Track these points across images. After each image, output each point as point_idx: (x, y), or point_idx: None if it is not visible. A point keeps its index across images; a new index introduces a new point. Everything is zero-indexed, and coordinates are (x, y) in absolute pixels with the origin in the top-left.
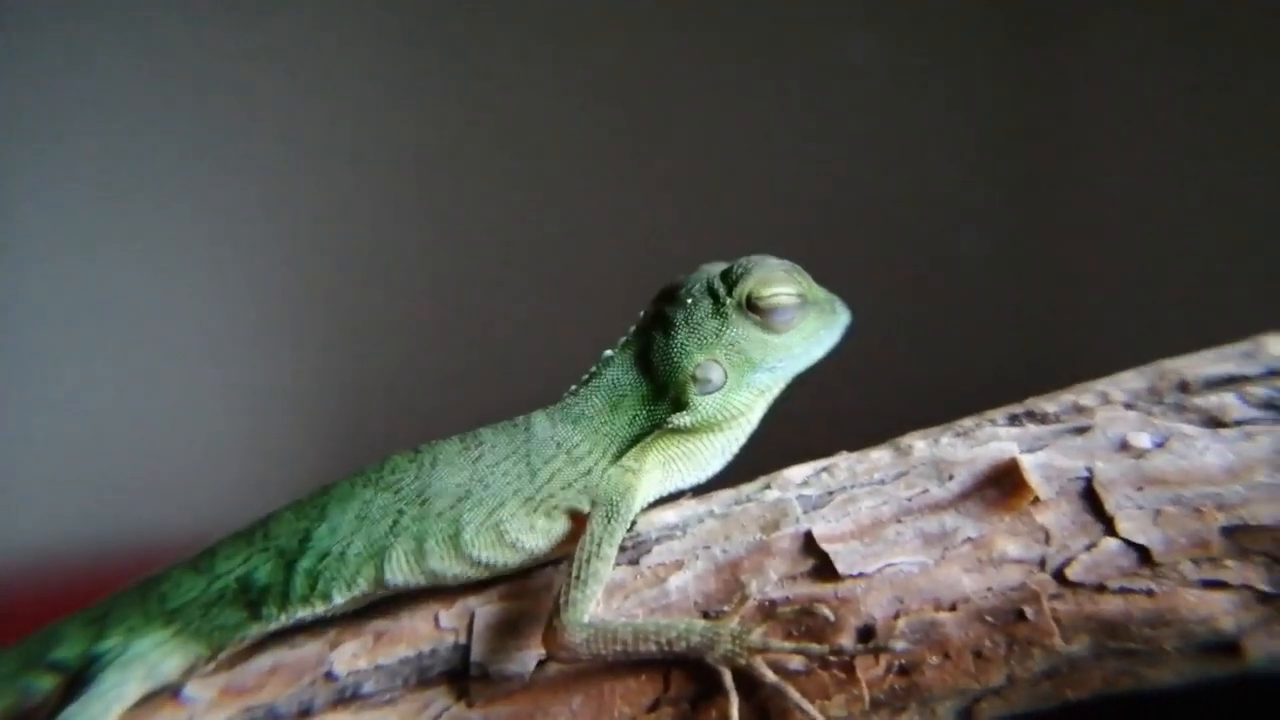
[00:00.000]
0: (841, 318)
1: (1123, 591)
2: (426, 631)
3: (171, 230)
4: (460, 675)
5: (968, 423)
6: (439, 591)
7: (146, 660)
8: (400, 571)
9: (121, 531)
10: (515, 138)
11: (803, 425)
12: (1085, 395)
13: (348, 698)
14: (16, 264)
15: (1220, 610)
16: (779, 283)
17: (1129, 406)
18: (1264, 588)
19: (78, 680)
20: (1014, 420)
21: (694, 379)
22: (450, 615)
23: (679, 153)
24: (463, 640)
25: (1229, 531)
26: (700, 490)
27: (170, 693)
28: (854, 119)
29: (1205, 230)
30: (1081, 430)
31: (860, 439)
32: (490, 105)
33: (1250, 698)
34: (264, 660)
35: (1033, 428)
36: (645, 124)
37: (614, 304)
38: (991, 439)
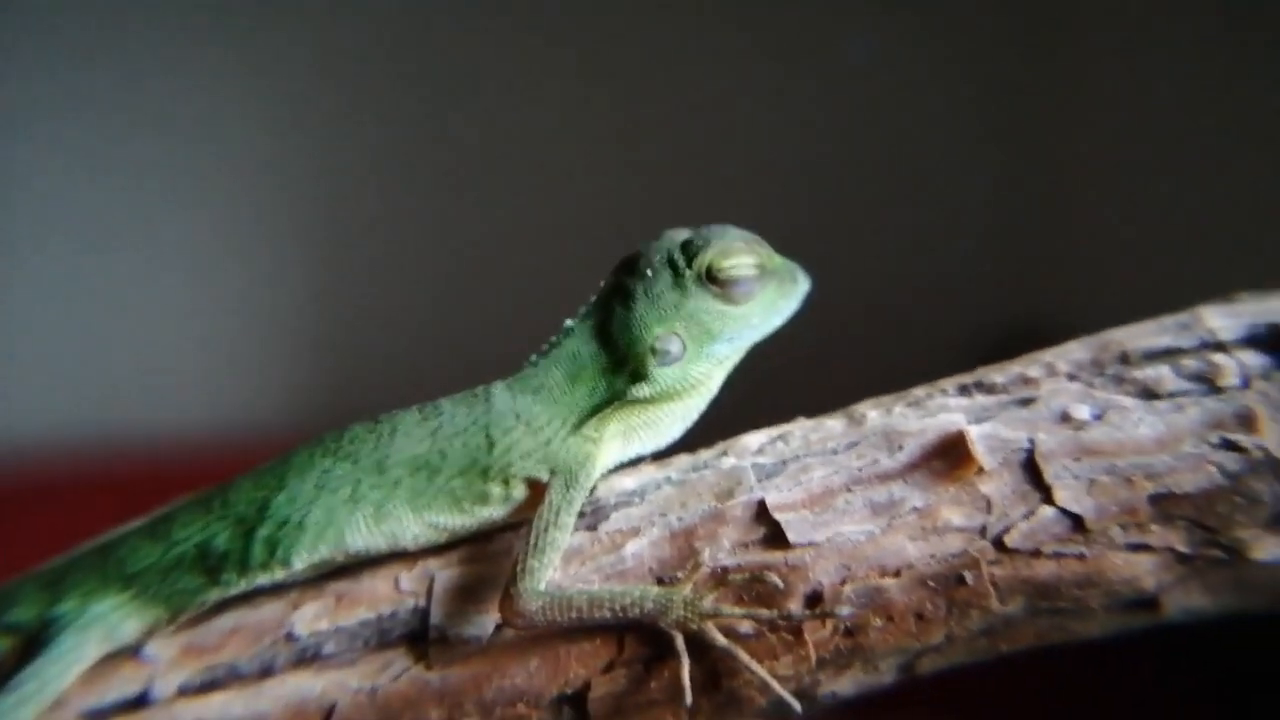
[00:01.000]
0: (800, 286)
1: (1056, 556)
2: (387, 594)
3: (176, 141)
4: (419, 638)
5: (920, 392)
6: (399, 556)
7: (105, 622)
8: (360, 537)
9: (112, 426)
10: (514, 58)
11: (766, 388)
12: (1032, 366)
13: (309, 658)
14: (19, 171)
15: (1143, 571)
16: (738, 254)
17: (1072, 378)
18: (1183, 550)
19: (34, 642)
20: (964, 390)
21: (653, 351)
22: (410, 578)
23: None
24: (422, 603)
25: (1156, 499)
26: (660, 455)
27: (130, 652)
28: (821, 84)
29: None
30: (1026, 402)
31: (827, 402)
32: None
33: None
34: (225, 621)
35: (981, 398)
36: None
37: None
38: (941, 409)
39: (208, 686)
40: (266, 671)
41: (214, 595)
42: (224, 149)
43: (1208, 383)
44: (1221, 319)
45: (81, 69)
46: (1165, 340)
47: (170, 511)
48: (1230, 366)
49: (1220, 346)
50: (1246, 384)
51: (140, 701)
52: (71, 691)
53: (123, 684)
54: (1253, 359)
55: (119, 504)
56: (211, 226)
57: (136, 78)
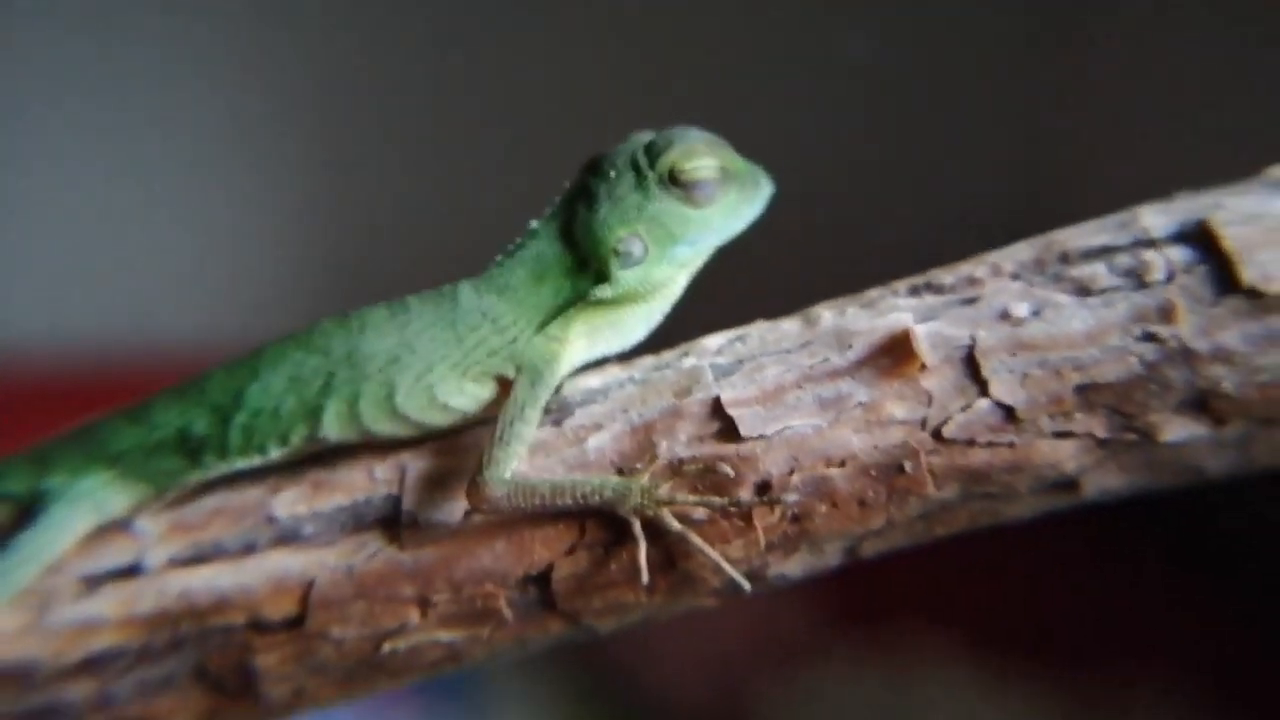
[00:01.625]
0: (764, 190)
1: (989, 445)
2: (362, 483)
3: (182, 48)
4: (393, 522)
5: (873, 293)
6: (373, 447)
7: (93, 497)
8: (333, 428)
9: (115, 333)
10: None
11: (734, 291)
12: (979, 267)
13: (288, 538)
14: (25, 78)
15: (1066, 455)
16: (700, 156)
17: (1015, 277)
18: (1102, 435)
19: (28, 512)
20: (914, 291)
21: (615, 253)
22: (384, 468)
23: None
24: (395, 491)
25: (1081, 389)
26: (626, 357)
27: (122, 526)
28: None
29: None
30: (970, 301)
31: (793, 304)
32: None
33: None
34: (209, 501)
35: (930, 298)
36: None
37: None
38: (892, 310)
39: (195, 560)
40: (249, 549)
41: (195, 477)
42: (229, 56)
43: (1137, 278)
44: (1155, 217)
45: None
46: (1103, 239)
47: (148, 399)
48: (1158, 261)
49: (1151, 243)
50: (1171, 278)
51: (133, 570)
52: (68, 559)
53: (116, 554)
54: (1179, 253)
55: (79, 412)
56: (216, 135)
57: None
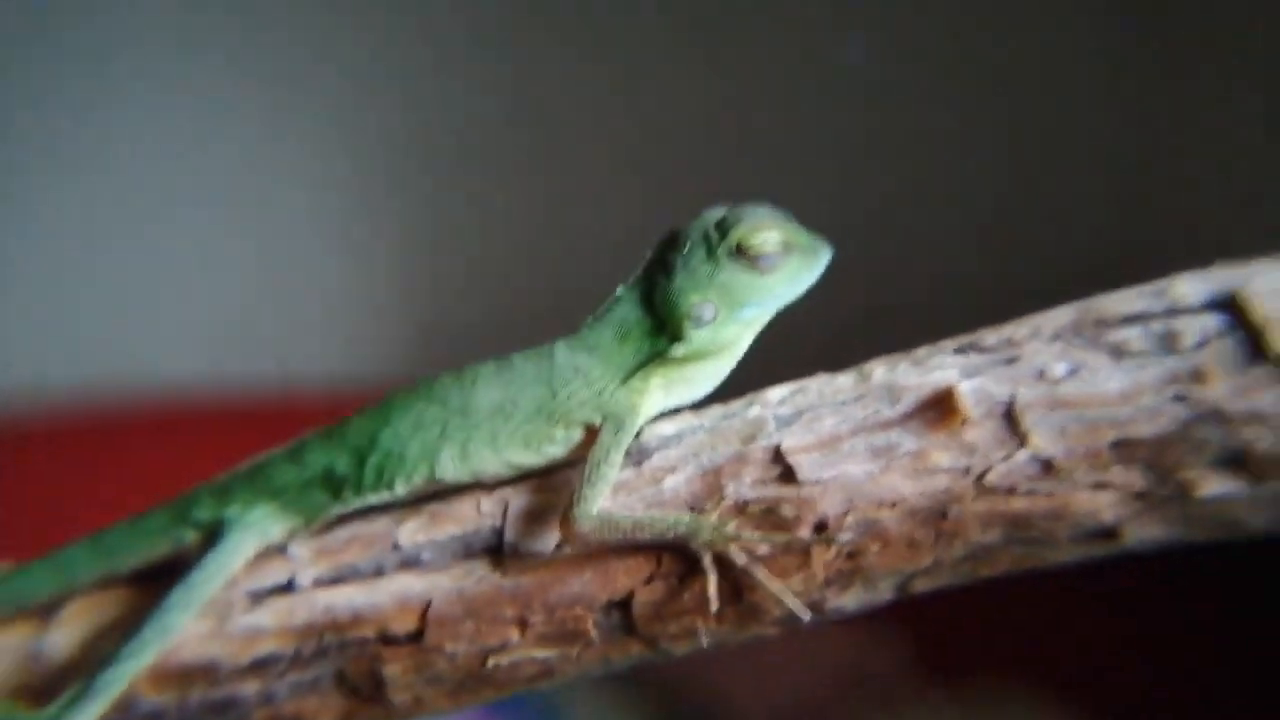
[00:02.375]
0: (823, 257)
1: (1029, 494)
2: (471, 515)
3: (281, 92)
4: (496, 551)
5: (922, 352)
6: (482, 485)
7: (259, 525)
8: (447, 469)
9: (229, 370)
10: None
11: (792, 349)
12: (1021, 329)
13: (410, 563)
14: (123, 118)
15: (1104, 505)
16: (765, 230)
17: (1054, 339)
18: (1139, 488)
19: (212, 536)
20: (960, 350)
21: (689, 316)
22: (490, 503)
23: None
24: (499, 524)
25: (1116, 444)
26: (698, 406)
27: (278, 550)
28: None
29: None
30: (1011, 360)
31: (845, 362)
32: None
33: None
34: (346, 531)
35: (974, 357)
36: None
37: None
38: (938, 367)
39: (336, 580)
40: (379, 571)
41: (336, 509)
42: (340, 104)
43: (1169, 343)
44: (1190, 286)
45: (179, 12)
46: (1139, 305)
47: (302, 440)
48: (1190, 328)
49: (1185, 311)
50: (1203, 344)
51: (288, 588)
52: (239, 576)
53: (275, 574)
54: (1210, 321)
55: (232, 441)
56: (328, 184)
57: (238, 20)
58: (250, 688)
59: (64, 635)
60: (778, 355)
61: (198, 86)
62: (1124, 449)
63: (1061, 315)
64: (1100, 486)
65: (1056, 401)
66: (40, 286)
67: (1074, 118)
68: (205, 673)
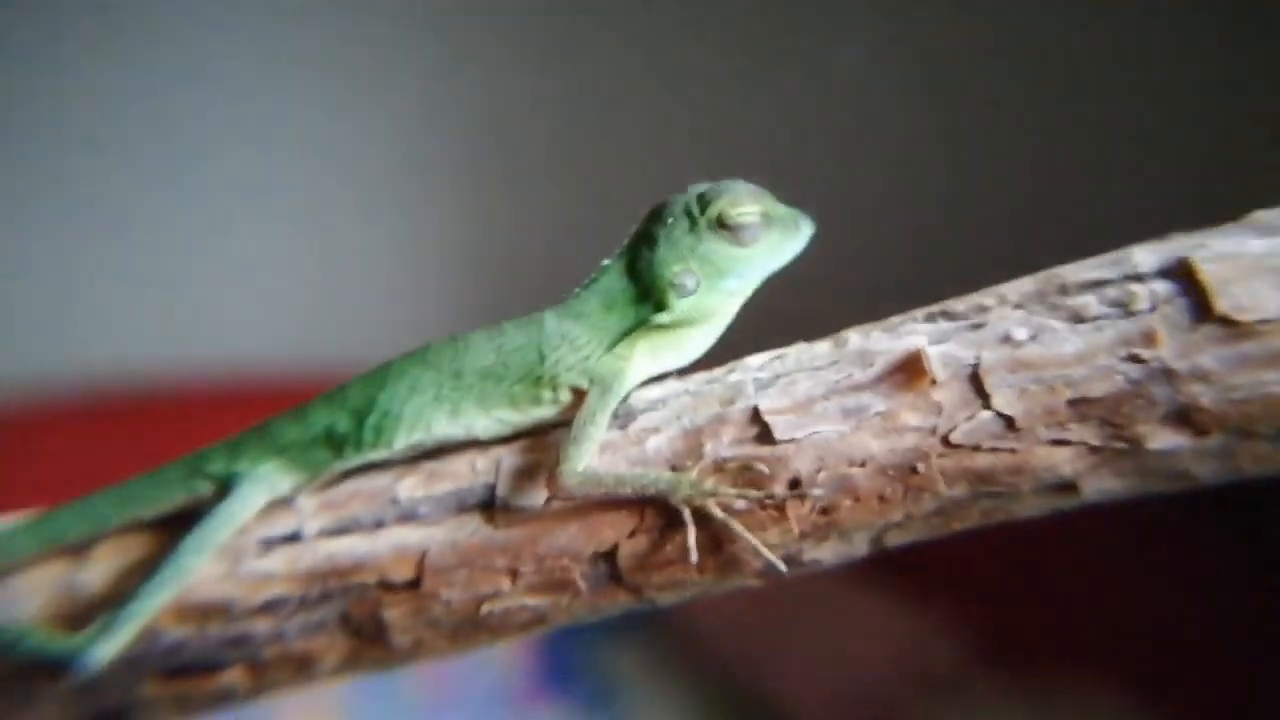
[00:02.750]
0: (804, 231)
1: (992, 450)
2: (465, 473)
3: (317, 83)
4: (489, 506)
5: (895, 320)
6: (475, 444)
7: (268, 479)
8: (442, 427)
9: (279, 357)
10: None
11: (775, 320)
12: (988, 297)
13: (408, 516)
14: (158, 106)
15: (1062, 460)
16: (744, 203)
17: (1018, 307)
18: (1095, 443)
19: (224, 488)
20: (930, 318)
21: (672, 285)
22: (483, 461)
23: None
24: (491, 480)
25: (1073, 403)
26: (684, 372)
27: (287, 502)
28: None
29: None
30: (978, 326)
31: (828, 331)
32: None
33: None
34: (349, 486)
35: (943, 324)
36: None
37: None
38: (910, 334)
39: (339, 531)
40: (379, 524)
41: (339, 466)
42: (390, 101)
43: (1124, 308)
44: (1145, 255)
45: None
46: (1098, 273)
47: (307, 403)
48: (1142, 293)
49: (1139, 277)
50: (1154, 308)
51: (294, 537)
52: (250, 525)
53: (283, 524)
54: (1162, 287)
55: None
56: (353, 163)
57: (298, 18)
58: (262, 626)
59: (95, 571)
60: (765, 325)
61: (239, 78)
62: (1080, 407)
63: (1026, 284)
64: (1059, 443)
65: (1018, 363)
66: (81, 270)
67: (1052, 104)
68: (221, 610)
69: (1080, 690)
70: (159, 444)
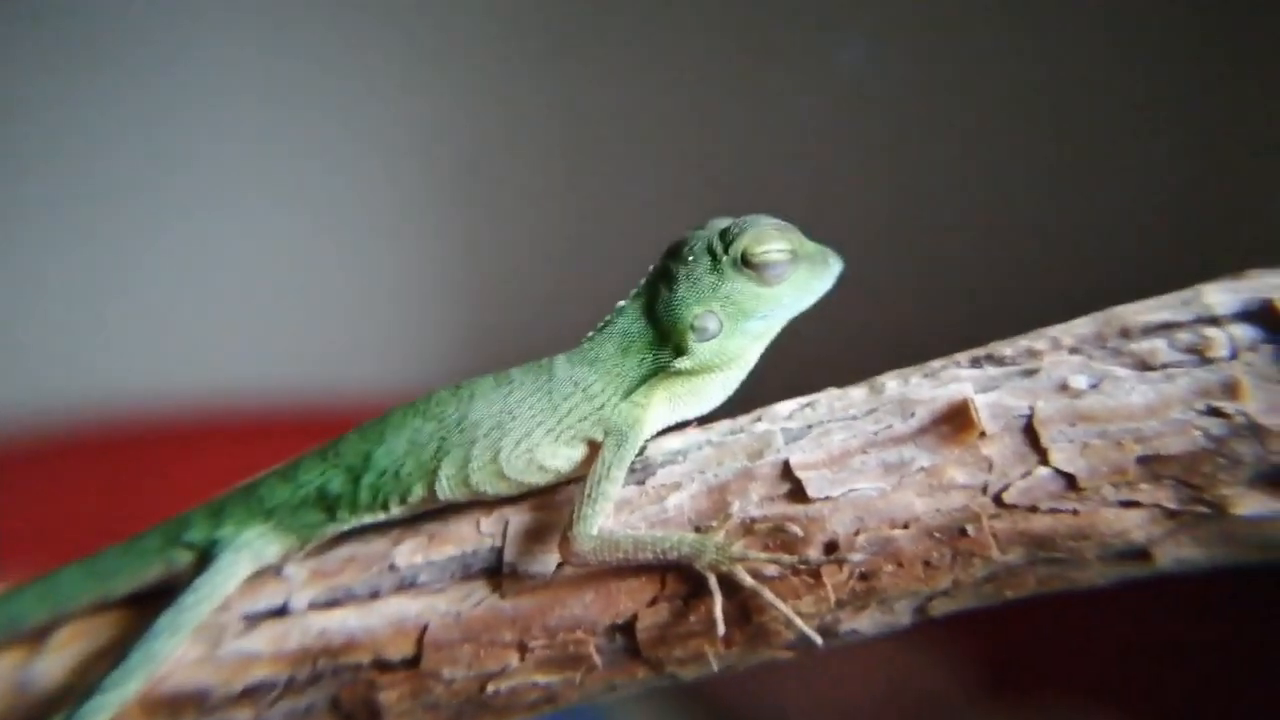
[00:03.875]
0: (833, 268)
1: (1051, 511)
2: (470, 535)
3: (334, 125)
4: (495, 572)
5: (936, 364)
6: (481, 503)
7: (252, 546)
8: (445, 488)
9: (281, 384)
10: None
11: (803, 363)
12: (1039, 340)
13: (407, 585)
14: (184, 151)
15: (1133, 525)
16: (770, 240)
17: (1074, 351)
18: (1171, 506)
19: (204, 557)
20: (975, 363)
21: (693, 328)
22: (489, 523)
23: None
24: (498, 544)
25: (1144, 460)
26: (704, 420)
27: (274, 571)
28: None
29: None
30: (1030, 373)
31: (860, 375)
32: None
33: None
34: (343, 551)
35: (990, 370)
36: None
37: None
38: (953, 380)
39: (331, 603)
40: (375, 594)
41: (331, 529)
42: (376, 113)
43: (1199, 354)
44: (1220, 295)
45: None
46: (1165, 315)
47: (297, 459)
48: (1220, 339)
49: (1214, 321)
50: (1235, 355)
51: (282, 611)
52: (233, 598)
53: (269, 596)
54: (1243, 332)
55: (268, 452)
56: (356, 183)
57: (288, 40)
58: (242, 716)
59: (53, 662)
60: (787, 371)
61: (243, 98)
62: (1152, 465)
63: (1082, 326)
64: (1128, 504)
65: (1078, 415)
66: (90, 297)
67: (1087, 133)
68: (196, 701)
69: (1079, 718)
70: (142, 479)
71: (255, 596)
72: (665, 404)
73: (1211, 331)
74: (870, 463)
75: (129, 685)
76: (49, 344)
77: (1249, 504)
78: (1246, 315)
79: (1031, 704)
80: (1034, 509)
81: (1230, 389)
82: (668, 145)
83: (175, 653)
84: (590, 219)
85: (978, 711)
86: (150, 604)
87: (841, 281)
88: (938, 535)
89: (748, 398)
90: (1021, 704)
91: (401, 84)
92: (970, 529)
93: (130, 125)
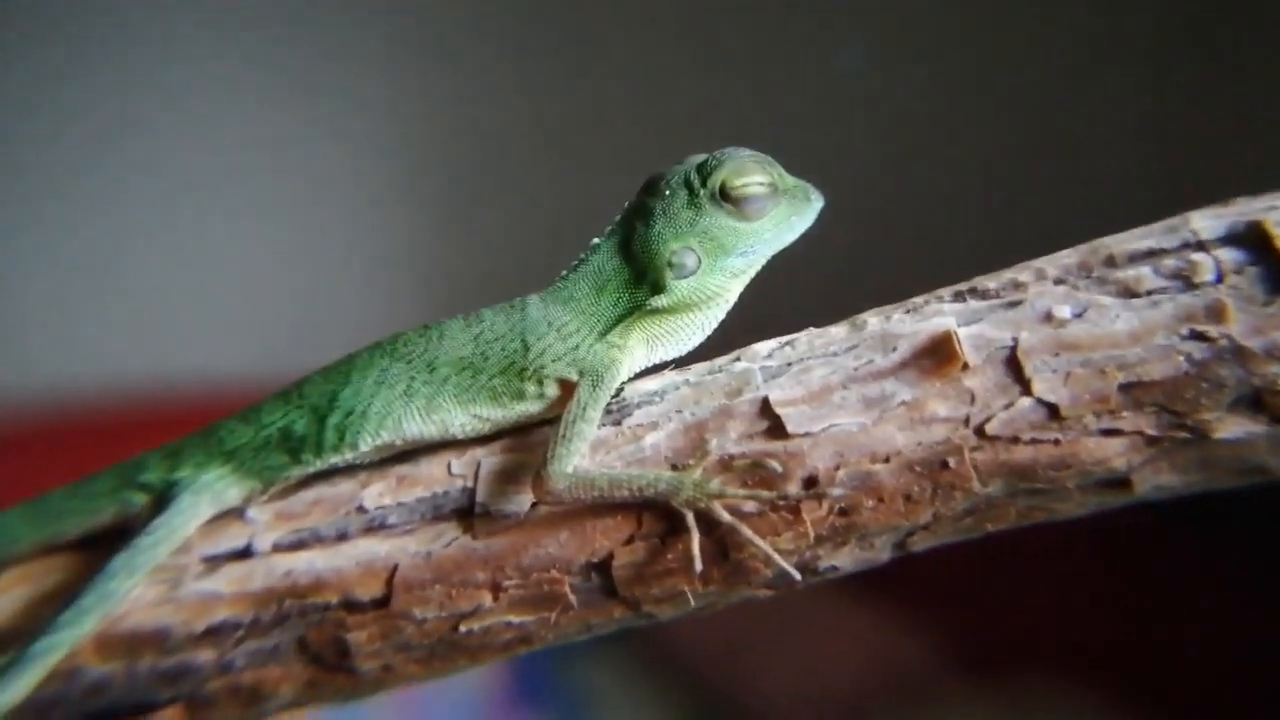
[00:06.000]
0: (814, 204)
1: (1033, 442)
2: (440, 476)
3: (304, 97)
4: (467, 513)
5: (919, 300)
6: (451, 444)
7: (212, 489)
8: (414, 426)
9: (251, 361)
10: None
11: (787, 302)
12: (1024, 272)
13: (376, 526)
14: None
15: (1114, 453)
16: (750, 173)
17: (1059, 282)
18: (1152, 432)
19: (162, 499)
20: (958, 296)
21: (670, 265)
22: (460, 464)
23: None
24: (470, 484)
25: (1126, 387)
26: (682, 362)
27: (237, 514)
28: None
29: None
30: (1014, 304)
31: (841, 316)
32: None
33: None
34: (308, 494)
35: (973, 303)
36: None
37: None
38: (936, 314)
39: (297, 545)
40: (342, 536)
41: (296, 471)
42: (354, 107)
43: (1184, 280)
44: (1206, 220)
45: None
46: (1150, 243)
47: (258, 403)
48: (1207, 263)
49: (1200, 246)
50: (1220, 279)
51: (245, 553)
52: (192, 541)
53: (231, 538)
54: (1229, 255)
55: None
56: (335, 174)
57: (267, 35)
58: (205, 655)
59: (1, 602)
60: (766, 311)
61: (227, 92)
62: (1135, 392)
63: (1066, 257)
64: (1110, 433)
65: (1061, 344)
66: (79, 286)
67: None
68: (155, 640)
69: (1051, 693)
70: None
71: (216, 539)
72: (642, 344)
73: (1197, 256)
74: (850, 398)
75: (82, 624)
76: (39, 332)
77: (1229, 427)
78: (1233, 239)
79: (1003, 677)
80: (1015, 440)
81: (1214, 312)
82: (649, 137)
83: (131, 593)
84: (569, 211)
85: (953, 686)
86: (100, 549)
87: (822, 218)
88: (919, 469)
89: (725, 341)
90: (993, 678)
91: (387, 75)
92: (952, 461)
93: (105, 113)
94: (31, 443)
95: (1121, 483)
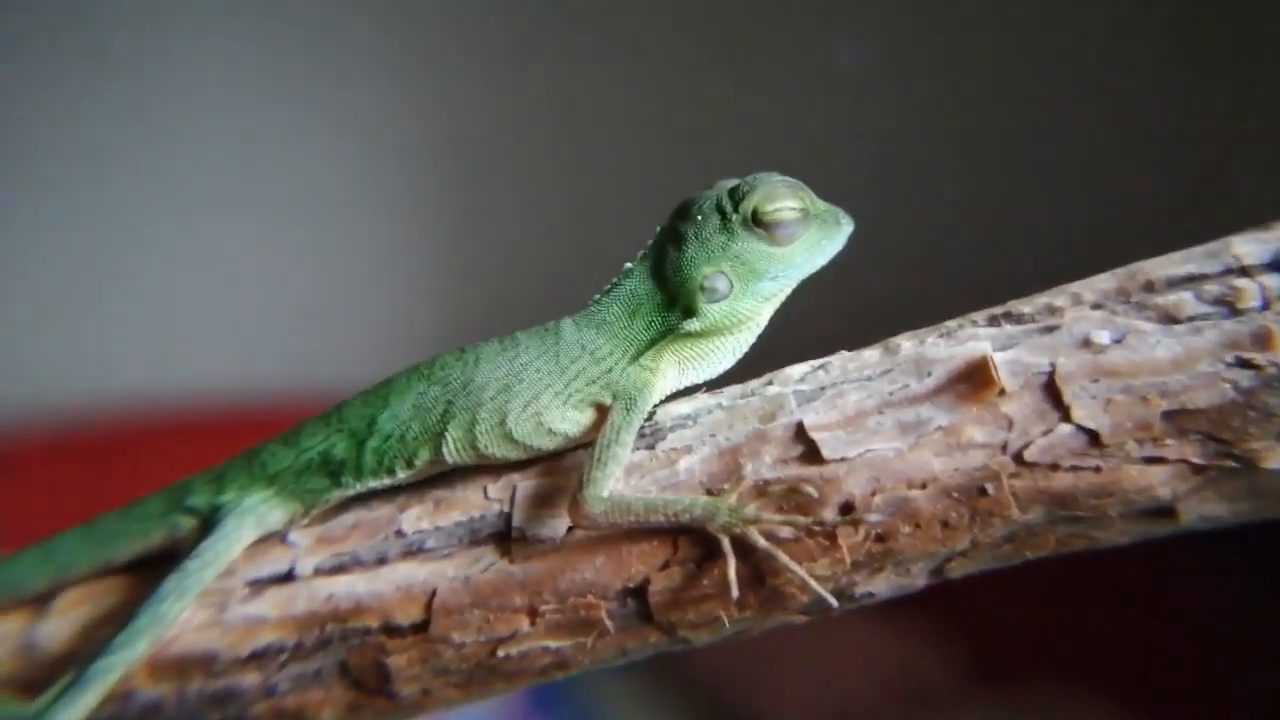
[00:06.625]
0: (844, 228)
1: (1073, 469)
2: (477, 501)
3: (321, 121)
4: (504, 537)
5: (952, 324)
6: (487, 468)
7: (256, 512)
8: (451, 452)
9: (271, 378)
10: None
11: (815, 326)
12: (1059, 297)
13: (414, 551)
14: (150, 125)
15: (1158, 481)
16: (782, 198)
17: (1096, 306)
18: (1197, 460)
19: (208, 523)
20: (993, 321)
21: (702, 289)
22: (497, 488)
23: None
24: (506, 509)
25: (1169, 415)
26: (714, 385)
27: (279, 538)
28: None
29: None
30: (1050, 329)
31: (872, 339)
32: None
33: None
34: (348, 518)
35: (1009, 328)
36: None
37: None
38: (970, 339)
39: (337, 569)
40: (381, 560)
41: (336, 495)
42: (368, 112)
43: (1228, 306)
44: (1249, 245)
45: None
46: (1190, 268)
47: (299, 425)
48: (1251, 289)
49: (1244, 271)
50: (1266, 305)
51: (288, 577)
52: (237, 564)
53: (274, 562)
54: (1274, 281)
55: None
56: (341, 184)
57: (278, 35)
58: (250, 679)
59: (57, 625)
60: (797, 335)
61: (241, 99)
62: (1179, 419)
63: (1103, 281)
64: (1153, 460)
65: (1101, 370)
66: (78, 296)
67: (1090, 105)
68: (203, 663)
69: (1067, 706)
70: (135, 481)
71: (260, 563)
72: (674, 367)
73: (1242, 282)
74: (886, 423)
75: (136, 647)
76: (40, 342)
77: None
78: (1277, 265)
79: (1018, 691)
80: (1055, 467)
81: (1261, 339)
82: (661, 144)
83: (181, 616)
84: (581, 218)
85: (970, 699)
86: (151, 571)
87: (852, 243)
88: (956, 495)
89: (757, 363)
90: (1009, 691)
91: (395, 80)
92: (990, 488)
93: (102, 117)
94: (34, 455)
95: (1166, 512)
